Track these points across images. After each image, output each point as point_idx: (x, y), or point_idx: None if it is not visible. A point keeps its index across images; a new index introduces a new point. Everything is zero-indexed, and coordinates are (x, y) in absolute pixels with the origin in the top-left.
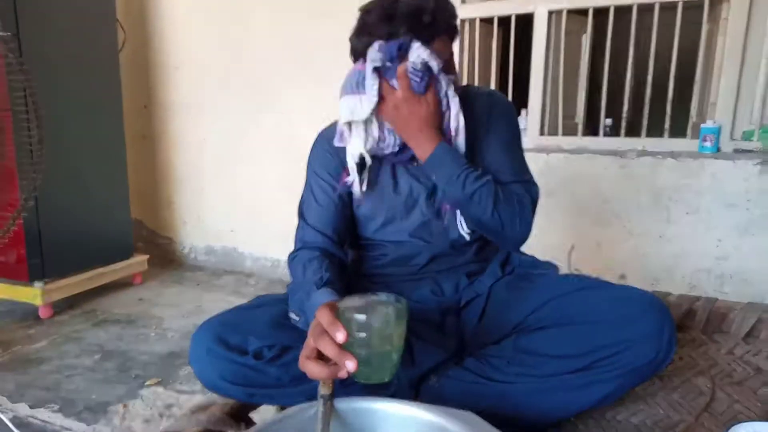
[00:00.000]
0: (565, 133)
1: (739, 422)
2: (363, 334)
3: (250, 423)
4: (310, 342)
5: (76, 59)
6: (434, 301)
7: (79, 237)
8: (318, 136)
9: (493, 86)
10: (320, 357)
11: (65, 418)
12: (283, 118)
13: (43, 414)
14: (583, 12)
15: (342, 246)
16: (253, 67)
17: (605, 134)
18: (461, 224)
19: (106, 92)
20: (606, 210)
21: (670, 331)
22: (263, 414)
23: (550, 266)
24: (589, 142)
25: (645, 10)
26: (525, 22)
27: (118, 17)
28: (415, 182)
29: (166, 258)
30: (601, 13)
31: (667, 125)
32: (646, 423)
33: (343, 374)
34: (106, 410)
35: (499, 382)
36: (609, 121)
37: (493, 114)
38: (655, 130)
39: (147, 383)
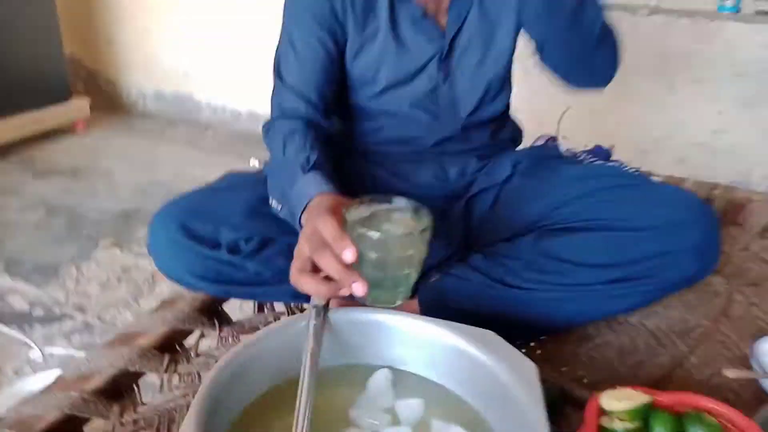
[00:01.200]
0: None
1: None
2: (376, 255)
3: (223, 318)
4: (305, 252)
5: None
6: (438, 186)
7: (4, 75)
8: None
9: None
10: (316, 269)
11: (11, 279)
12: None
13: None
14: None
15: (328, 115)
16: None
17: None
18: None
19: None
20: None
21: (717, 241)
22: (237, 307)
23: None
24: None
25: None
26: None
27: None
28: (424, 40)
29: (111, 104)
30: None
31: None
32: (661, 327)
33: (345, 293)
34: (57, 272)
35: (512, 287)
36: None
37: None
38: None
39: (102, 244)
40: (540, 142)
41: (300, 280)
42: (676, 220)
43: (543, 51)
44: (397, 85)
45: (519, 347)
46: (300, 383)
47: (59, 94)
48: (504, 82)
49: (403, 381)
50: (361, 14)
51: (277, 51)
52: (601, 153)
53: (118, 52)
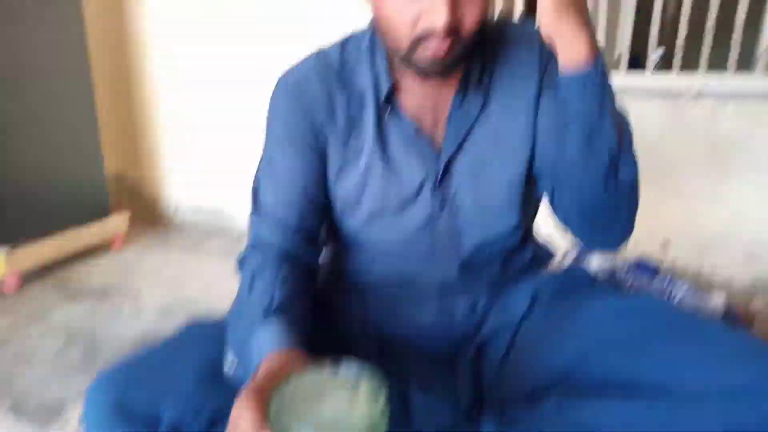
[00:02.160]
0: None
1: None
2: None
3: None
4: None
5: None
6: (442, 330)
7: (45, 195)
8: (279, 83)
9: (518, 10)
10: None
11: (16, 420)
12: (276, 50)
13: None
14: None
15: (311, 244)
16: None
17: (654, 69)
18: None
19: (65, 27)
20: (651, 163)
21: None
22: None
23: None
24: (635, 79)
25: None
26: None
27: None
28: (416, 161)
29: (152, 216)
30: None
31: (734, 56)
32: None
33: None
34: (63, 409)
35: None
36: (659, 51)
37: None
38: (716, 64)
39: None
40: (569, 259)
41: None
42: (753, 385)
43: (553, 193)
44: (385, 214)
45: None
46: None
47: (98, 212)
48: (522, 206)
49: None
50: (343, 128)
51: (255, 175)
52: (647, 268)
53: (161, 166)
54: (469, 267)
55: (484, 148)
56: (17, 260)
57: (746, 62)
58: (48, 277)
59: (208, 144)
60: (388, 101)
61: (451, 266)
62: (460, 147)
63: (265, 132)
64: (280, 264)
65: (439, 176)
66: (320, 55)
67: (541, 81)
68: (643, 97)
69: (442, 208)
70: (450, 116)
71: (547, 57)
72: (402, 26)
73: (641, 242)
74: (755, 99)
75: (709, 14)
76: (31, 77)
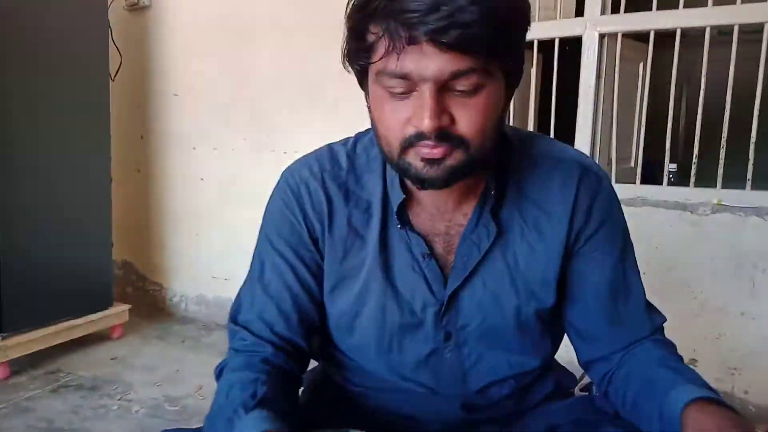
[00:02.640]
0: (619, 180)
1: None
2: None
3: None
4: None
5: (60, 84)
6: None
7: (48, 283)
8: (281, 183)
9: (531, 123)
10: None
11: None
12: (288, 158)
13: None
14: (641, 37)
15: (298, 359)
16: (257, 99)
17: (669, 182)
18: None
19: (92, 121)
20: (672, 278)
21: None
22: None
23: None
24: (650, 191)
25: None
26: (572, 46)
27: (115, 39)
28: (420, 283)
29: (155, 306)
30: (662, 38)
31: (749, 175)
32: None
33: None
34: None
35: None
36: (673, 166)
37: (597, 203)
38: (730, 179)
39: None
40: (586, 380)
41: None
42: None
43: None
44: (381, 342)
45: None
46: None
47: (101, 302)
48: (540, 346)
49: None
50: (343, 241)
51: (242, 287)
52: None
53: (169, 257)
54: (474, 408)
55: (496, 282)
56: (8, 350)
57: (763, 174)
58: (39, 366)
59: (216, 238)
60: (399, 216)
61: (454, 406)
62: (467, 280)
63: (259, 233)
64: (261, 366)
65: (443, 307)
66: (327, 155)
67: (572, 229)
68: (661, 207)
69: (446, 341)
70: (459, 245)
71: (586, 201)
72: (393, 127)
73: None
74: None
75: (722, 134)
76: (55, 166)
